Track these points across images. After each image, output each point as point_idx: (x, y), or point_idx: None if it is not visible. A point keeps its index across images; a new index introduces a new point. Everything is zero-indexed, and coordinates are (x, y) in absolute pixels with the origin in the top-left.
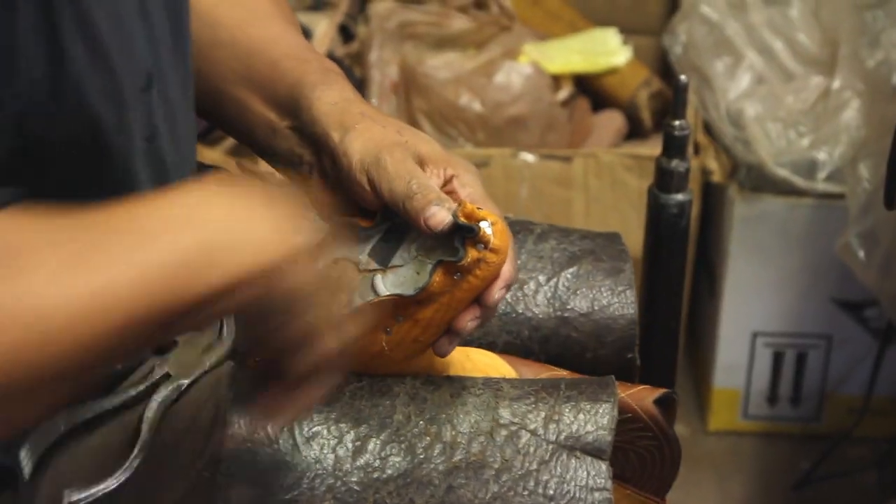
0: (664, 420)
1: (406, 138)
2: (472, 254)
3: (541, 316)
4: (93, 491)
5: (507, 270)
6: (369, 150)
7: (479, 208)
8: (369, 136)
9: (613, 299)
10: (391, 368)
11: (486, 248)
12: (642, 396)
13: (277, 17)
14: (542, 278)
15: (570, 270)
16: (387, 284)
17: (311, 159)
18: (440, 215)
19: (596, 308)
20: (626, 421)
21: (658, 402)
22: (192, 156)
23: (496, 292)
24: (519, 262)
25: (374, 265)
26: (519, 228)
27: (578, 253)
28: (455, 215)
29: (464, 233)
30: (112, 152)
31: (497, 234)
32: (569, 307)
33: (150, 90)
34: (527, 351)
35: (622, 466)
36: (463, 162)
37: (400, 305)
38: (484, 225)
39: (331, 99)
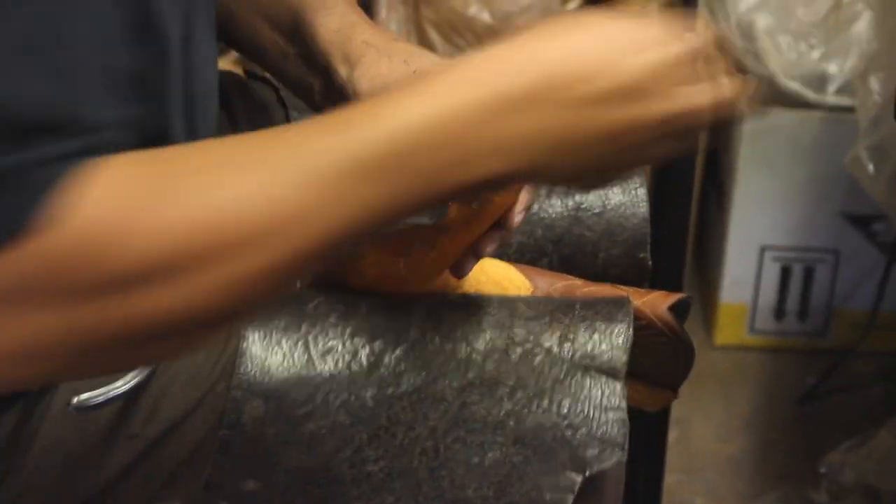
0: (678, 325)
1: (413, 67)
2: None
3: (554, 215)
4: (101, 391)
5: (525, 193)
6: (377, 89)
7: None
8: (376, 71)
9: (625, 198)
10: (409, 290)
11: None
12: (657, 303)
13: None
14: None
15: None
16: None
17: (321, 88)
18: None
19: (608, 207)
20: (641, 328)
21: (673, 307)
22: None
23: (516, 216)
24: None
25: None
26: None
27: None
28: None
29: None
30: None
31: None
32: (582, 206)
33: None
34: (539, 251)
35: (636, 366)
36: None
37: (418, 231)
38: None
39: (333, 26)
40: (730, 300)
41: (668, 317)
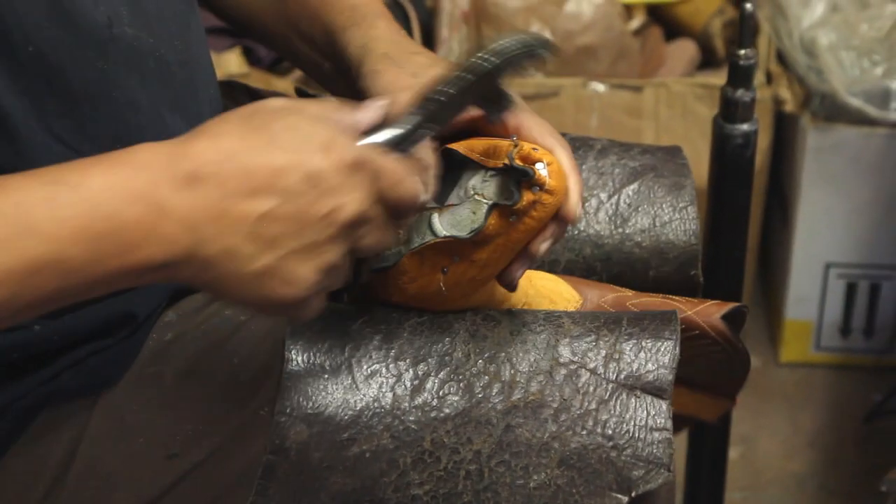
0: (732, 335)
1: (422, 79)
2: (528, 196)
3: (603, 233)
4: None
5: (574, 189)
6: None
7: (535, 149)
8: (383, 82)
9: (675, 215)
10: (450, 306)
11: (541, 189)
12: (710, 313)
13: None
14: (603, 196)
15: (631, 187)
16: (443, 223)
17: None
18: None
19: (657, 224)
20: (694, 337)
21: (727, 316)
22: (192, 48)
23: (574, 208)
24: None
25: (431, 203)
26: (579, 145)
27: (639, 168)
28: (510, 158)
29: (518, 175)
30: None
31: (553, 174)
32: (630, 223)
33: None
34: (589, 270)
35: (691, 376)
36: None
37: (456, 247)
38: (539, 167)
39: (358, 41)
40: (795, 317)
41: (722, 326)
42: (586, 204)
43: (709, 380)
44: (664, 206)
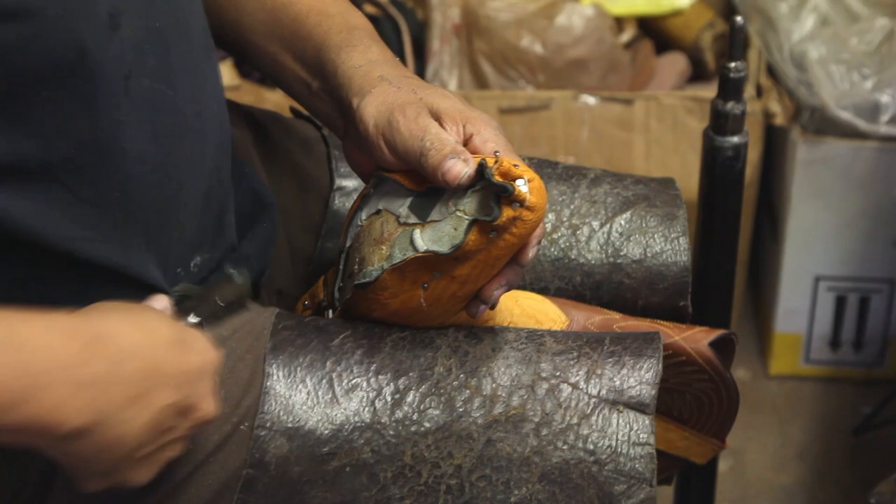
0: (720, 362)
1: (420, 96)
2: (508, 212)
3: (593, 262)
4: None
5: (539, 228)
6: (381, 112)
7: (515, 165)
8: (382, 99)
9: (667, 246)
10: (431, 322)
11: (521, 206)
12: (697, 339)
13: None
14: (595, 224)
15: (624, 216)
16: (424, 239)
17: (342, 123)
18: (457, 168)
19: (649, 255)
20: (681, 364)
21: (715, 343)
22: (206, 97)
23: (530, 251)
24: (572, 206)
25: (413, 219)
26: (572, 173)
27: (632, 198)
28: (490, 174)
29: (499, 191)
30: (80, 90)
31: (533, 191)
32: (622, 253)
33: (118, 28)
34: (579, 297)
35: (679, 408)
36: (483, 116)
37: (436, 262)
38: (520, 183)
39: (354, 62)
40: (785, 330)
41: (709, 353)
42: (578, 232)
43: (696, 415)
44: (656, 236)
